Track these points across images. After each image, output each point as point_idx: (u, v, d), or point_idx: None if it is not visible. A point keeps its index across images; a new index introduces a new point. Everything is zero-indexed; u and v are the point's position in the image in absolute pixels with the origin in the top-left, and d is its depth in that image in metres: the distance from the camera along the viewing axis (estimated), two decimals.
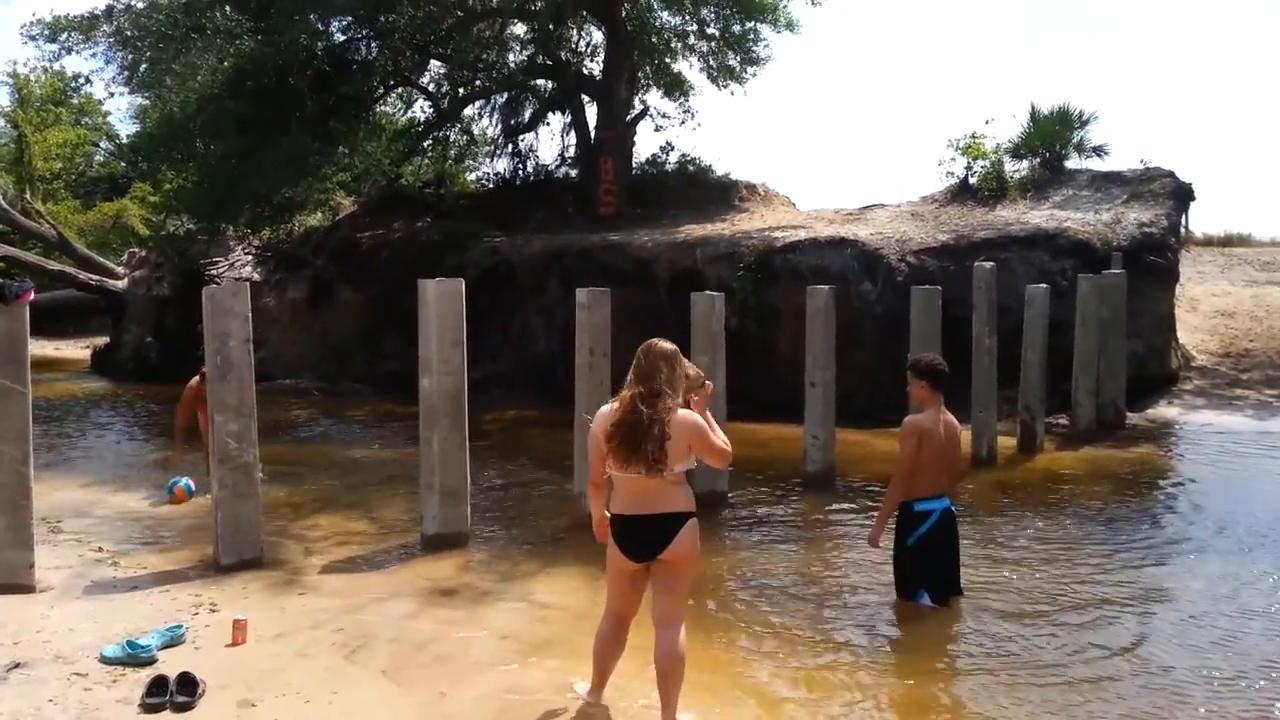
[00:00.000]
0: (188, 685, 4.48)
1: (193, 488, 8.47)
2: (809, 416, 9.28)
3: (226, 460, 6.48)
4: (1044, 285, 10.93)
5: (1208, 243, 21.49)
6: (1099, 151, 15.96)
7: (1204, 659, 5.15)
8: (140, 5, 16.64)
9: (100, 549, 6.96)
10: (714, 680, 4.86)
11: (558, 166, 20.50)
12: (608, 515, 4.30)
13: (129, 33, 15.91)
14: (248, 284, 7.02)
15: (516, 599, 6.03)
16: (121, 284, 20.82)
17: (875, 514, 6.14)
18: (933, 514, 5.71)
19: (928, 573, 5.77)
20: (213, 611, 5.64)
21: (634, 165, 19.32)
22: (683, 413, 4.16)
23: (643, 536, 4.18)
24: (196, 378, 8.39)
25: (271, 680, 4.71)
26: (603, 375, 7.93)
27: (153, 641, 4.99)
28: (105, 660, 4.87)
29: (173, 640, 5.11)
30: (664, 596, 4.24)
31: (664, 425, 4.05)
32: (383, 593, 6.10)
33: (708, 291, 8.68)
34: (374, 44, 17.74)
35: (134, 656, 4.85)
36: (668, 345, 4.22)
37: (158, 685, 4.47)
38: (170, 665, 4.75)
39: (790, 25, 17.81)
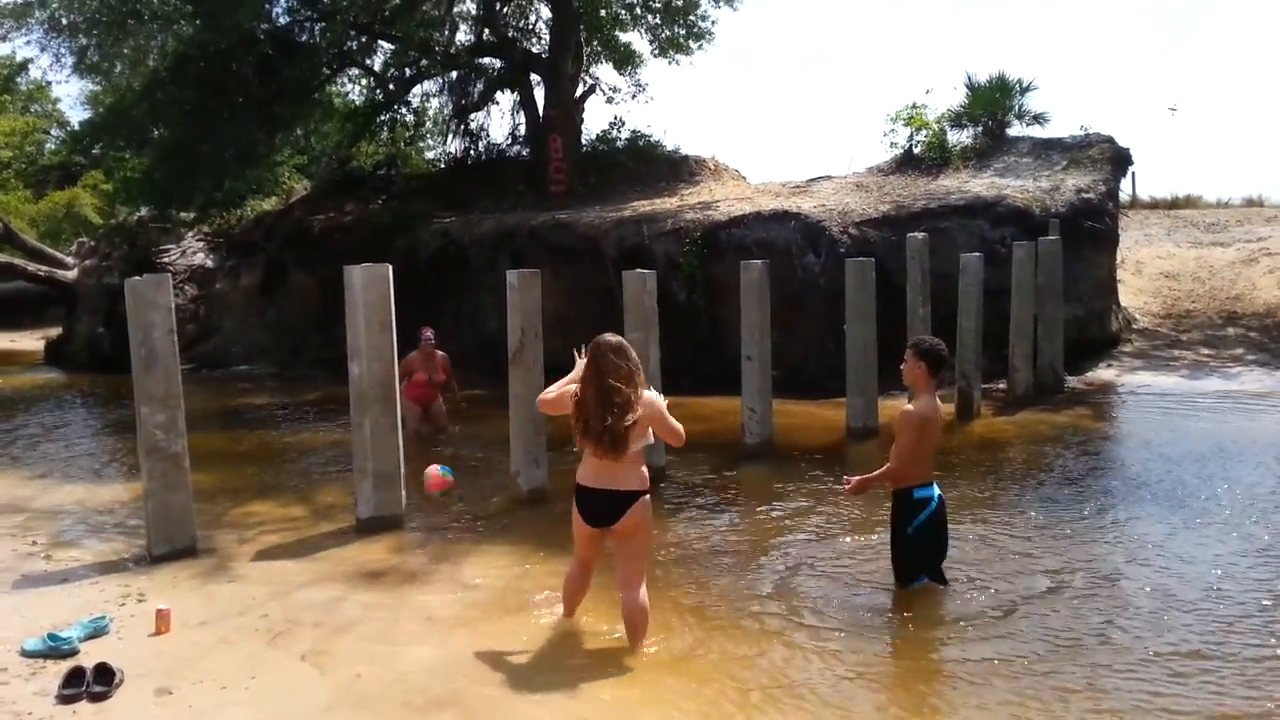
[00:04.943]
0: (104, 675, 4.55)
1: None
2: (746, 390, 9.44)
3: (155, 451, 6.52)
4: (978, 254, 11.07)
5: (1155, 205, 21.72)
6: (1039, 119, 16.09)
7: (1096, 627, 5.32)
8: None
9: (34, 542, 6.99)
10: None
11: (509, 145, 20.48)
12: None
13: (63, 19, 15.66)
14: (169, 274, 7.00)
15: (444, 580, 6.11)
16: (72, 274, 20.61)
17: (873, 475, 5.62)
18: (931, 501, 5.50)
19: (927, 558, 5.57)
20: (140, 602, 5.69)
21: (584, 142, 19.31)
22: (647, 394, 4.77)
23: (597, 508, 4.83)
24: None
25: (191, 668, 4.79)
26: (535, 355, 8.02)
27: (74, 633, 5.05)
28: (26, 653, 4.92)
29: (96, 631, 5.17)
30: (625, 563, 4.94)
31: (625, 415, 4.64)
32: (312, 578, 6.16)
33: (639, 270, 8.75)
34: (318, 26, 17.60)
35: (54, 649, 4.92)
36: (615, 338, 4.82)
37: (74, 676, 4.54)
38: (93, 656, 4.80)
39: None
